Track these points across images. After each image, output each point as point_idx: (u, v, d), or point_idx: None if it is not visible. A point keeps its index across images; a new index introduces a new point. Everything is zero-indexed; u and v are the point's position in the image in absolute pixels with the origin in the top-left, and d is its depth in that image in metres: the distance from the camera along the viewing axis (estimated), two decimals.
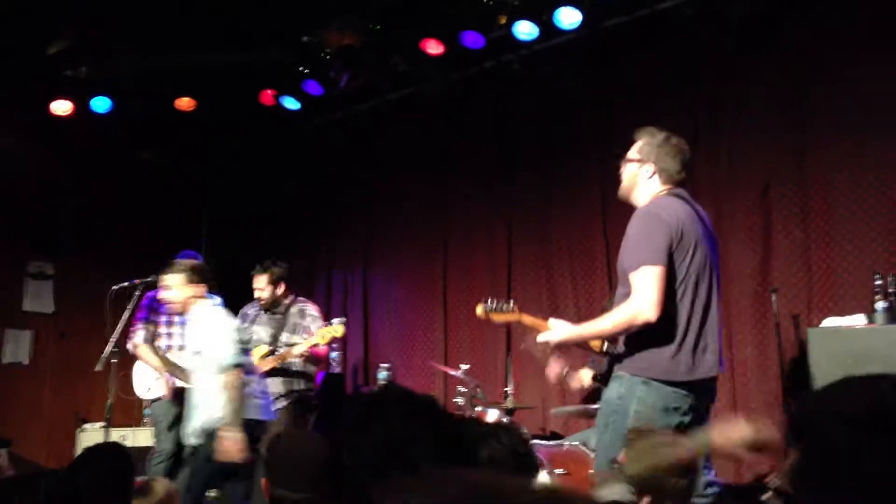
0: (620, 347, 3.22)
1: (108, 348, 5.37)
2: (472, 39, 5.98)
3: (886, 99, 4.87)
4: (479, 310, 3.41)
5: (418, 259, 7.11)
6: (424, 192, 7.11)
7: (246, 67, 6.83)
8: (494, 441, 1.84)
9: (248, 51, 6.63)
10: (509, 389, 5.57)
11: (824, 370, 3.96)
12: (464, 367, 5.39)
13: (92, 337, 6.27)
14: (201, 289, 4.55)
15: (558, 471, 4.34)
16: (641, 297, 3.03)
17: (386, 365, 6.11)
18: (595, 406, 4.67)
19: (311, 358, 5.50)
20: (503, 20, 5.83)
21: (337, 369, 7.12)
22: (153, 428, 5.77)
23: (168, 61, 6.80)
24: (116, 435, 6.03)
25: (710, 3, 5.41)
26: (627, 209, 5.86)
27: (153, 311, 5.70)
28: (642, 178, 3.32)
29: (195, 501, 4.18)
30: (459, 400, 5.23)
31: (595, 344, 3.28)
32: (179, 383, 5.59)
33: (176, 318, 5.76)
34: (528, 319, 3.51)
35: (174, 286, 4.53)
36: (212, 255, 8.46)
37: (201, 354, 4.43)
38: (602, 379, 3.35)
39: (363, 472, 1.35)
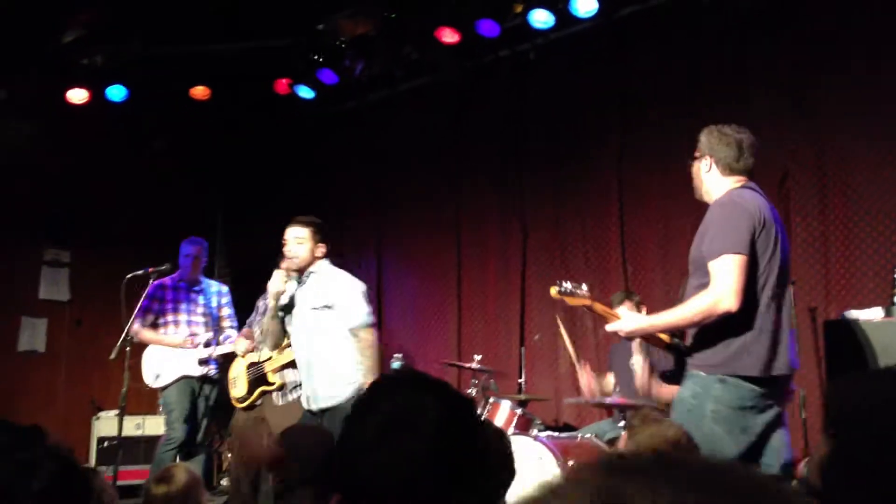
0: (689, 342, 3.12)
1: (124, 336, 5.39)
2: (488, 28, 5.93)
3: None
4: (553, 291, 3.32)
5: (431, 249, 7.09)
6: (438, 182, 7.08)
7: (260, 56, 6.82)
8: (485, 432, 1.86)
9: (263, 39, 6.61)
10: (522, 381, 5.56)
11: (841, 363, 3.91)
12: (477, 357, 5.37)
13: (107, 325, 6.31)
14: (323, 247, 4.51)
15: (571, 462, 4.32)
16: (722, 286, 2.92)
17: (399, 355, 6.09)
18: (608, 399, 4.65)
19: None
20: (519, 8, 5.79)
21: None
22: (164, 416, 5.72)
23: (183, 50, 6.79)
24: (131, 423, 6.06)
25: None
26: (643, 199, 5.87)
27: (156, 299, 5.69)
28: (703, 173, 3.25)
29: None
30: (472, 391, 5.22)
31: (662, 338, 3.20)
32: (188, 371, 5.64)
33: (182, 306, 5.76)
34: (599, 307, 3.38)
35: (302, 240, 4.45)
36: (226, 244, 8.52)
37: (333, 310, 4.31)
38: (670, 377, 3.24)
39: (365, 452, 1.31)
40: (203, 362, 5.67)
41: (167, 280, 5.76)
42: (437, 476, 1.28)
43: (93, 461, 6.59)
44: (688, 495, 0.58)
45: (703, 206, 5.47)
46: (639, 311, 5.19)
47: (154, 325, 5.69)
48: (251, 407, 5.37)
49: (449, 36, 6.11)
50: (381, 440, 1.30)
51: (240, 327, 5.85)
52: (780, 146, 5.29)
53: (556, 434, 4.78)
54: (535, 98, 6.53)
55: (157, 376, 5.60)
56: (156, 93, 7.10)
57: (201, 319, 5.81)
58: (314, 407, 4.30)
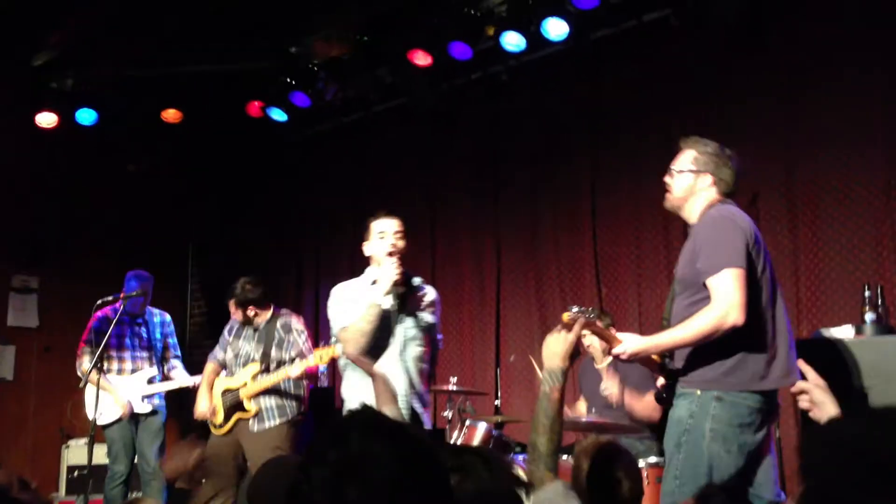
0: (680, 362, 3.10)
1: (92, 364, 5.32)
2: (460, 50, 5.96)
3: (872, 107, 4.88)
4: (566, 316, 3.26)
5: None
6: (412, 204, 7.07)
7: (233, 79, 6.80)
8: (476, 474, 1.77)
9: (235, 62, 6.60)
10: (499, 402, 5.54)
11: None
12: (453, 379, 5.35)
13: (77, 351, 6.21)
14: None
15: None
16: (726, 301, 2.90)
17: None
18: (584, 420, 4.64)
19: (304, 374, 5.39)
20: (491, 31, 5.82)
21: (325, 383, 7.06)
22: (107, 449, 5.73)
23: (154, 72, 6.76)
24: (101, 451, 5.97)
25: (695, 14, 5.41)
26: (616, 219, 5.90)
27: (101, 333, 5.63)
28: (699, 189, 3.22)
29: None
30: (448, 413, 5.19)
31: (654, 358, 3.19)
32: (137, 409, 5.72)
33: (126, 340, 5.78)
34: (599, 329, 3.25)
35: (402, 234, 4.13)
36: (199, 269, 8.45)
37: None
38: (664, 398, 3.20)
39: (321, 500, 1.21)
40: (146, 398, 5.78)
41: (110, 312, 5.74)
42: None
43: (63, 490, 6.48)
44: None
45: (674, 225, 5.54)
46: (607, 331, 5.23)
47: (98, 360, 5.66)
48: (229, 432, 5.30)
49: (421, 58, 6.13)
50: (327, 495, 1.20)
51: (205, 356, 5.81)
52: (750, 167, 5.33)
53: None
54: (507, 120, 6.57)
55: (101, 413, 5.55)
56: (127, 116, 7.05)
57: (145, 353, 5.87)
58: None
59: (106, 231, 7.54)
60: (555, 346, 2.58)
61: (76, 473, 6.47)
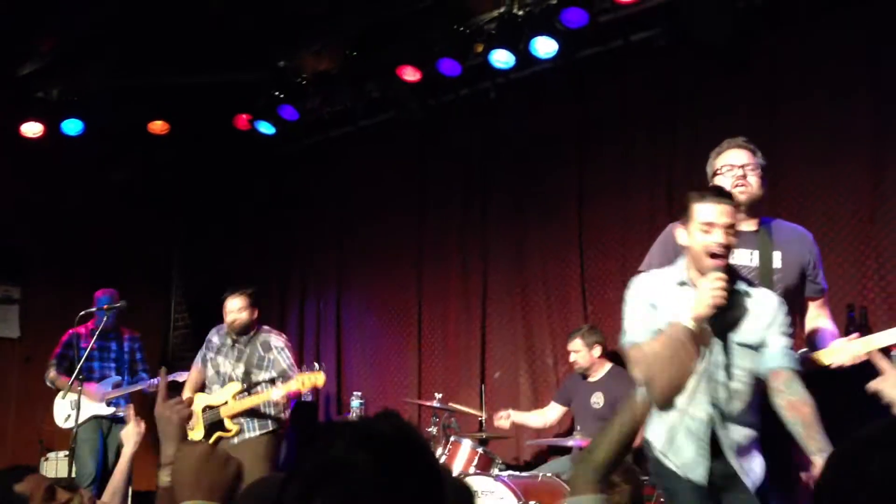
0: None
1: (75, 375, 5.27)
2: (449, 67, 5.98)
3: (856, 126, 4.93)
4: None
5: (392, 287, 7.06)
6: (399, 220, 7.08)
7: (221, 91, 6.79)
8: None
9: (223, 74, 6.60)
10: (483, 419, 5.53)
11: None
12: (438, 395, 5.34)
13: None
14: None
15: (532, 503, 4.29)
16: None
17: (359, 393, 6.02)
18: (570, 442, 4.65)
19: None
20: (479, 48, 5.85)
21: (309, 398, 7.03)
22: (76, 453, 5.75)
23: (141, 84, 6.74)
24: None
25: (681, 35, 5.47)
26: (603, 235, 5.91)
27: (72, 347, 5.79)
28: (762, 186, 3.32)
29: None
30: (433, 430, 5.17)
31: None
32: (98, 411, 5.85)
33: (95, 354, 5.93)
34: None
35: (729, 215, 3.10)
36: (183, 280, 8.40)
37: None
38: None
39: None
40: (110, 403, 5.94)
41: (82, 329, 5.92)
42: None
43: None
44: None
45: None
46: (591, 348, 5.25)
47: (68, 373, 5.79)
48: None
49: (410, 74, 6.15)
50: (307, 492, 1.15)
51: (187, 367, 5.79)
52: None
53: (517, 473, 4.75)
54: (495, 136, 6.59)
55: (67, 417, 5.80)
56: (113, 127, 7.01)
57: (113, 364, 6.10)
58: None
59: (89, 242, 7.48)
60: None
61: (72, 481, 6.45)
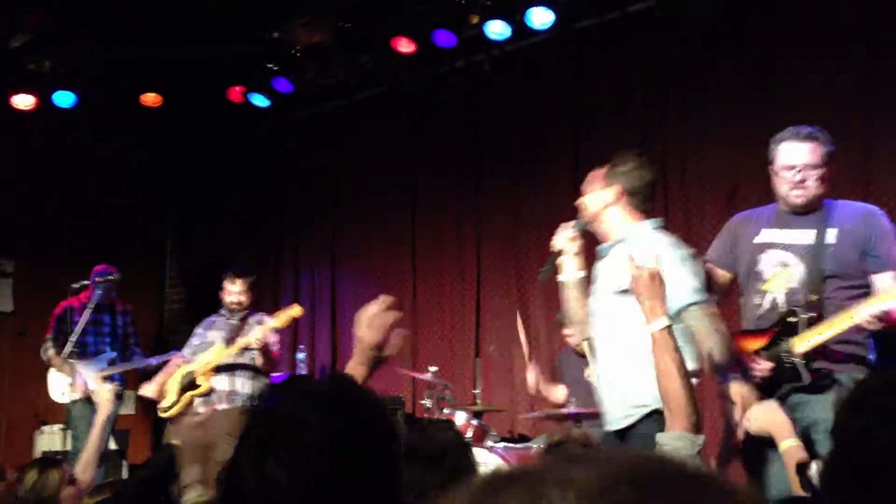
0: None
1: (68, 348, 5.28)
2: (444, 38, 5.93)
3: (850, 103, 4.92)
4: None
5: (386, 259, 7.05)
6: (393, 192, 7.06)
7: (214, 63, 6.73)
8: (422, 434, 1.77)
9: (217, 46, 6.53)
10: (478, 392, 5.54)
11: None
12: (432, 368, 5.34)
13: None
14: (616, 193, 3.23)
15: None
16: None
17: (302, 346, 6.06)
18: (564, 411, 4.65)
19: (267, 356, 5.33)
20: (475, 20, 5.80)
21: (304, 371, 7.03)
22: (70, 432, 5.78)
23: (134, 56, 6.67)
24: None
25: (678, 7, 5.42)
26: None
27: (65, 321, 5.78)
28: (826, 181, 3.24)
29: None
30: (427, 402, 5.18)
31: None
32: (92, 387, 5.67)
33: (89, 328, 5.81)
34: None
35: (589, 187, 3.34)
36: (177, 254, 8.38)
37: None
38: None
39: (245, 469, 1.14)
40: (107, 378, 5.76)
41: (75, 302, 5.86)
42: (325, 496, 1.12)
43: None
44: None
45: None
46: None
47: (62, 347, 5.75)
48: (179, 415, 5.23)
49: (405, 46, 6.10)
50: (259, 455, 1.15)
51: (181, 341, 5.78)
52: (730, 159, 5.37)
53: (511, 445, 4.76)
54: (490, 109, 6.55)
55: (63, 392, 5.74)
56: (105, 99, 6.95)
57: (107, 339, 5.99)
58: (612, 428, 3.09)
59: (83, 215, 7.44)
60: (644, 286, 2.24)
61: (59, 458, 6.43)
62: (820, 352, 3.09)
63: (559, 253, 3.34)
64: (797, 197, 3.22)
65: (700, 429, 2.01)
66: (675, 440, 1.93)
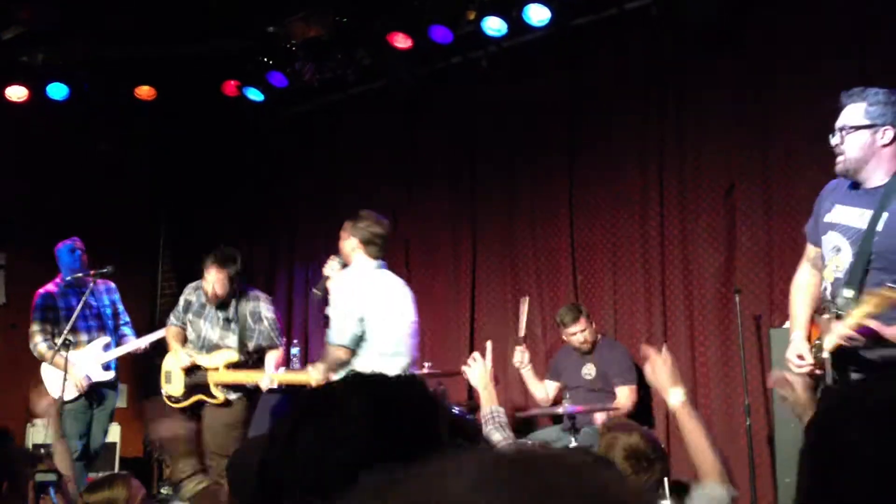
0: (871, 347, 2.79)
1: (62, 341, 5.23)
2: (441, 34, 5.92)
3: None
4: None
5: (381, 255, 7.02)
6: (388, 188, 7.04)
7: (209, 57, 6.70)
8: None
9: (212, 41, 6.51)
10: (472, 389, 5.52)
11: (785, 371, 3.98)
12: (427, 365, 5.34)
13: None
14: (356, 242, 4.42)
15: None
16: None
17: (296, 341, 6.04)
18: (561, 410, 4.66)
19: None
20: (472, 16, 5.79)
21: (298, 366, 7.01)
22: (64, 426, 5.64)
23: (129, 49, 6.64)
24: None
25: (675, 4, 5.42)
26: (594, 207, 5.90)
27: (48, 309, 5.60)
28: (881, 145, 2.88)
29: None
30: None
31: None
32: (96, 377, 5.60)
33: (75, 312, 5.50)
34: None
35: (343, 234, 4.49)
36: (171, 248, 8.34)
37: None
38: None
39: (296, 485, 1.13)
40: (107, 368, 5.65)
41: (52, 287, 5.68)
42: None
43: None
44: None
45: (650, 214, 5.57)
46: (591, 322, 5.25)
47: (51, 336, 5.56)
48: (183, 410, 5.19)
49: (401, 41, 6.09)
50: (294, 426, 1.16)
51: None
52: (727, 157, 5.38)
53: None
54: (486, 105, 6.54)
55: (60, 389, 5.34)
56: (99, 92, 6.92)
57: (96, 322, 5.71)
58: None
59: (75, 208, 7.40)
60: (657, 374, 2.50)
61: (42, 451, 6.37)
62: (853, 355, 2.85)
63: (328, 278, 4.61)
64: (836, 165, 2.97)
65: (729, 478, 2.29)
66: (713, 489, 2.21)
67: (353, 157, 7.31)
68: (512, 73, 6.32)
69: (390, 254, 6.93)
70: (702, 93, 5.53)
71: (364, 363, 4.17)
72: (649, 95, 5.75)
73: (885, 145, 2.89)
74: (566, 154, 6.08)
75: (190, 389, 5.19)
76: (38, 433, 6.43)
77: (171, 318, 5.44)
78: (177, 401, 5.21)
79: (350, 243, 4.39)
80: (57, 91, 6.75)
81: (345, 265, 4.48)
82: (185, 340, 5.35)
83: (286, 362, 5.57)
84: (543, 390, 5.45)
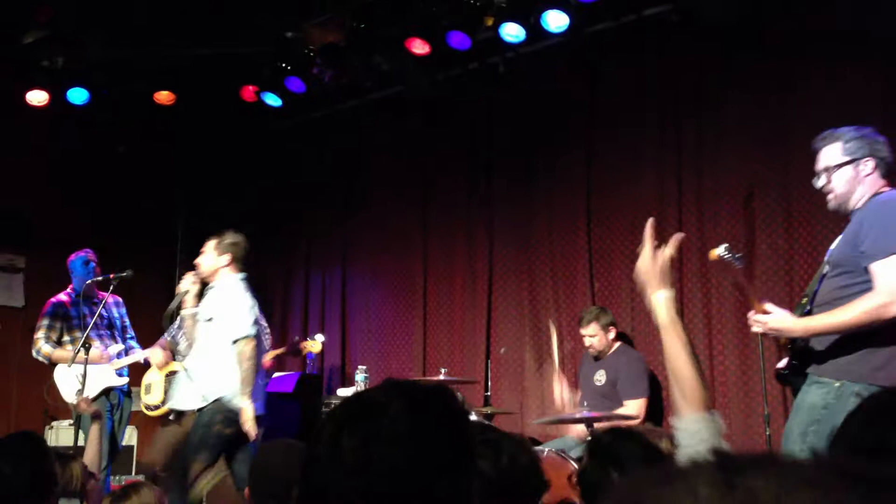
0: (819, 345, 2.94)
1: (81, 344, 5.26)
2: (459, 40, 5.92)
3: (870, 104, 4.88)
4: (714, 253, 3.11)
5: (398, 261, 7.05)
6: (405, 194, 7.05)
7: (227, 62, 6.73)
8: (495, 451, 1.79)
9: (231, 46, 6.53)
10: (488, 394, 5.53)
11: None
12: (443, 370, 5.33)
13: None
14: (227, 259, 4.74)
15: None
16: (890, 289, 2.74)
17: (363, 367, 6.02)
18: (577, 415, 4.63)
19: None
20: (490, 22, 5.78)
21: (314, 371, 7.04)
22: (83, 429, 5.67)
23: (148, 54, 6.68)
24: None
25: (695, 10, 5.40)
26: (611, 212, 5.88)
27: (58, 317, 5.67)
28: (863, 175, 3.05)
29: (184, 462, 4.13)
30: None
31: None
32: (114, 383, 5.65)
33: (88, 321, 5.59)
34: (748, 287, 3.23)
35: (206, 252, 4.79)
36: (188, 253, 8.37)
37: (215, 323, 4.55)
38: (785, 377, 3.16)
39: (342, 488, 1.16)
40: (120, 374, 5.73)
41: (63, 297, 5.76)
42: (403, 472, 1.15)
43: None
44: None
45: (668, 221, 5.54)
46: (607, 331, 5.22)
47: (59, 344, 5.64)
48: (165, 415, 5.25)
49: (419, 47, 6.09)
50: (337, 427, 1.19)
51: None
52: (745, 165, 5.35)
53: None
54: (504, 111, 6.54)
55: (79, 391, 5.35)
56: (119, 96, 6.96)
57: (107, 332, 5.81)
58: (176, 407, 4.69)
59: (94, 211, 7.44)
60: (644, 268, 2.05)
61: (71, 452, 6.41)
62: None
63: (186, 292, 4.77)
64: (828, 204, 3.17)
65: (711, 405, 1.91)
66: (695, 423, 1.82)
67: (370, 163, 7.33)
68: (530, 79, 6.32)
69: (407, 258, 6.99)
70: (721, 99, 5.50)
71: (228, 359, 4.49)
72: (667, 102, 5.73)
73: (867, 175, 3.07)
74: (583, 160, 6.07)
75: (167, 394, 5.27)
76: (57, 435, 6.47)
77: (167, 334, 5.62)
78: (155, 408, 5.33)
79: (224, 259, 4.75)
80: (77, 96, 6.80)
81: (202, 280, 4.80)
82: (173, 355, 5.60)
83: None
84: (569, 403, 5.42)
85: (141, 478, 5.65)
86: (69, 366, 5.47)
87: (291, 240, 7.82)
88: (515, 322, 6.25)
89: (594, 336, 5.19)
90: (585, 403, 4.78)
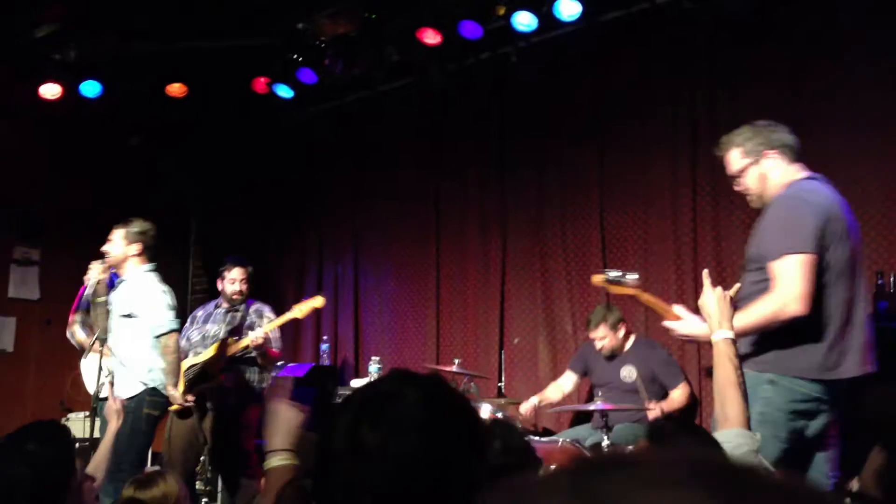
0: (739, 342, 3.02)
1: (94, 337, 5.27)
2: (470, 29, 5.90)
3: (883, 94, 4.85)
4: (597, 279, 3.24)
5: (411, 252, 7.04)
6: (417, 184, 7.04)
7: (239, 54, 6.73)
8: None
9: (242, 37, 6.53)
10: (502, 384, 5.52)
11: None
12: (456, 361, 5.33)
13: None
14: (137, 248, 4.74)
15: (553, 467, 4.28)
16: (787, 289, 2.78)
17: (377, 358, 6.03)
18: (592, 407, 4.63)
19: (264, 354, 5.37)
20: (501, 11, 5.76)
21: (327, 362, 7.06)
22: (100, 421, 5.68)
23: (159, 46, 6.69)
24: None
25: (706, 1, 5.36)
26: (623, 202, 5.86)
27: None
28: (768, 169, 3.11)
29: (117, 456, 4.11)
30: None
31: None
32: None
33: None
34: (648, 298, 3.30)
35: (114, 240, 4.77)
36: (200, 244, 8.40)
37: (135, 319, 4.60)
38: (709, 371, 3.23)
39: (363, 476, 1.17)
40: None
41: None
42: (418, 468, 1.16)
43: None
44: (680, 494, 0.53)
45: (682, 210, 5.52)
46: (616, 329, 5.20)
47: (90, 328, 5.63)
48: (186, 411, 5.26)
49: (430, 37, 6.07)
50: (355, 420, 1.20)
51: None
52: None
53: (536, 438, 4.74)
54: (516, 101, 6.51)
55: (102, 383, 5.45)
56: (131, 89, 6.98)
57: None
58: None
59: (108, 204, 7.46)
60: (707, 306, 2.42)
61: (77, 446, 6.43)
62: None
63: (98, 282, 4.78)
64: (751, 203, 3.24)
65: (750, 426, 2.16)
66: (737, 437, 2.02)
67: (383, 153, 7.32)
68: (542, 68, 6.29)
69: (420, 249, 6.98)
70: (734, 86, 5.46)
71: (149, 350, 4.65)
72: (681, 89, 5.69)
73: (772, 167, 3.13)
74: (596, 149, 6.04)
75: (191, 384, 5.27)
76: (73, 427, 6.49)
77: (181, 339, 5.60)
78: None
79: (133, 248, 4.77)
80: (90, 88, 6.82)
81: (110, 268, 4.84)
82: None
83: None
84: (558, 391, 5.41)
85: (157, 468, 5.66)
86: (85, 357, 5.48)
87: (304, 231, 7.83)
88: (529, 312, 6.24)
89: (604, 338, 5.16)
90: (600, 394, 4.76)
